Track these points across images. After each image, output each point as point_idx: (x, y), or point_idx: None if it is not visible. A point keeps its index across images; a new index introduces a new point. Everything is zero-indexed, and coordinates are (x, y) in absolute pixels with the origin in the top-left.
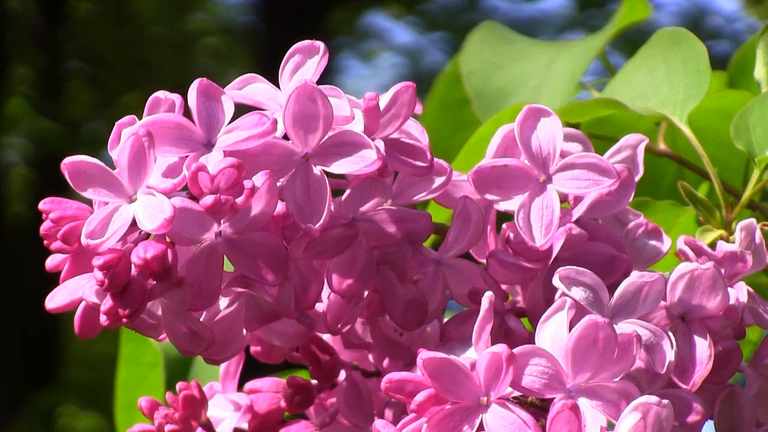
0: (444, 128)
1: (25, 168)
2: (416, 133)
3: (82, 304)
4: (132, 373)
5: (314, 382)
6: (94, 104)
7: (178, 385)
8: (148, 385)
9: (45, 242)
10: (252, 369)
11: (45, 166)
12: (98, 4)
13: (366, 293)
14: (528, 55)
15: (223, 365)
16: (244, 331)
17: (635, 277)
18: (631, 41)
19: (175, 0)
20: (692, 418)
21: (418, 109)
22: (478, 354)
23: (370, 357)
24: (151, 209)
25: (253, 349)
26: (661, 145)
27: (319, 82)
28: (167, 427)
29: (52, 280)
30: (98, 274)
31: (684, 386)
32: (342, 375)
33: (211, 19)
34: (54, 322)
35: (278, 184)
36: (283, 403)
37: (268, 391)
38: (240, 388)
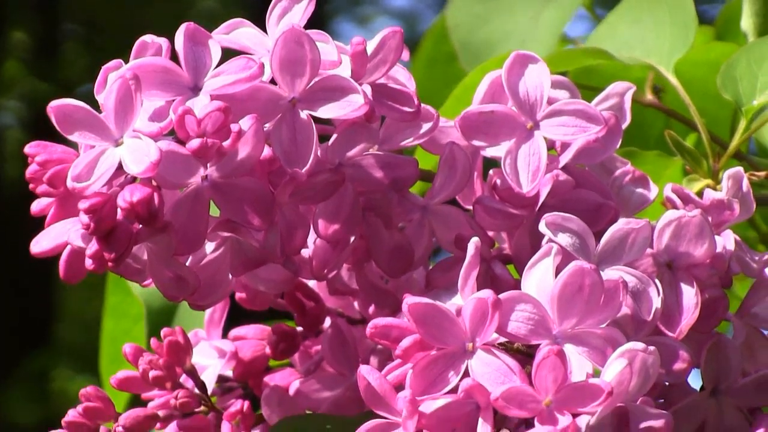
0: (431, 83)
1: (21, 131)
2: (403, 79)
3: (68, 248)
4: (117, 325)
5: (299, 329)
6: (90, 67)
7: (163, 332)
8: (133, 337)
9: (30, 186)
10: (237, 317)
11: (40, 128)
12: None
13: (352, 239)
14: (514, 8)
15: (207, 312)
16: (230, 276)
17: (622, 223)
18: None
19: None
20: (678, 365)
21: (405, 55)
22: (464, 300)
23: (356, 304)
24: (138, 152)
25: (238, 295)
26: (649, 96)
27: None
28: (151, 373)
29: None
30: (84, 218)
31: (670, 334)
32: (327, 322)
33: None
34: (49, 283)
35: (265, 128)
36: (267, 351)
37: (253, 338)
38: (225, 336)
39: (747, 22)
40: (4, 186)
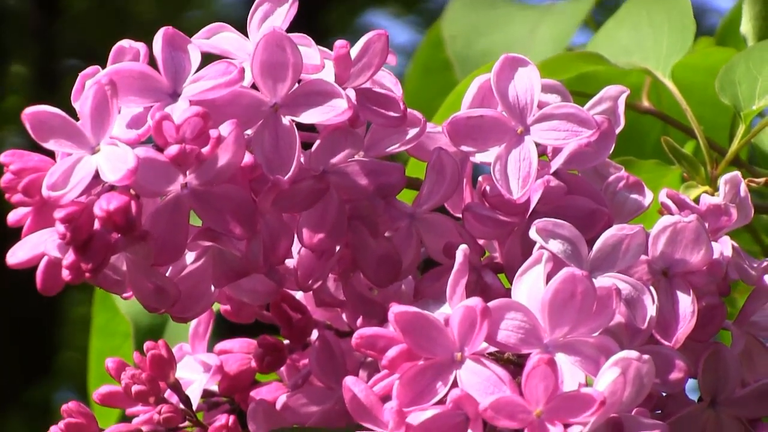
0: (426, 91)
1: None
2: (389, 83)
3: (45, 258)
4: (105, 344)
5: (286, 342)
6: None
7: (146, 345)
8: (122, 355)
9: (6, 195)
10: (224, 331)
11: None
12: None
13: (338, 249)
14: (511, 20)
15: (192, 325)
16: (212, 287)
17: (615, 229)
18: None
19: None
20: (675, 375)
21: (392, 60)
22: (452, 309)
23: (344, 316)
24: (115, 160)
25: (222, 308)
26: (645, 103)
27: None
28: (134, 388)
29: None
30: (60, 228)
31: (666, 343)
32: (314, 334)
33: (207, 15)
34: (51, 312)
35: (246, 134)
36: (253, 364)
37: (239, 351)
38: (211, 349)
39: (746, 26)
40: (5, 217)
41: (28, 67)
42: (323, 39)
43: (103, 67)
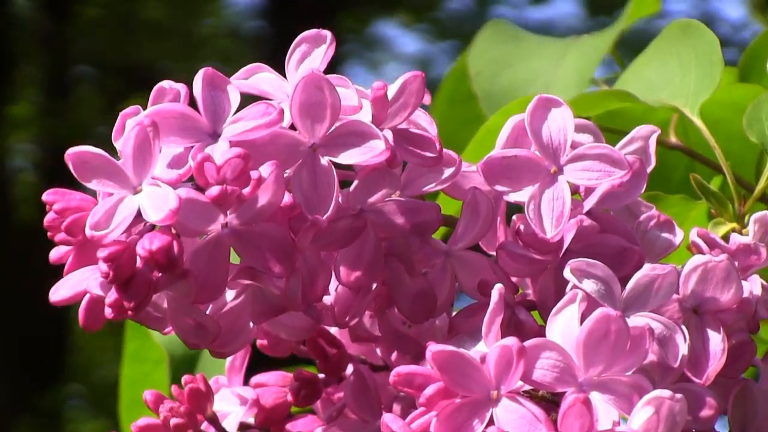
0: (452, 122)
1: (33, 173)
2: (425, 123)
3: (87, 296)
4: (137, 370)
5: (321, 375)
6: (103, 109)
7: (184, 378)
8: (153, 381)
9: (49, 234)
10: (260, 363)
11: (53, 171)
12: (106, 7)
13: (374, 286)
14: (535, 54)
15: (228, 359)
16: (251, 323)
17: (647, 269)
18: (643, 47)
19: (184, 4)
20: (706, 412)
21: (427, 99)
22: (488, 347)
23: (378, 351)
24: (157, 200)
25: (259, 342)
26: (673, 138)
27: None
28: (172, 421)
29: None
30: (103, 266)
31: (697, 380)
32: (349, 369)
33: (219, 23)
34: (61, 327)
35: (285, 174)
36: (289, 397)
37: (275, 384)
38: (247, 382)
39: None
40: (18, 229)
41: (40, 74)
42: (335, 47)
43: (110, 73)
